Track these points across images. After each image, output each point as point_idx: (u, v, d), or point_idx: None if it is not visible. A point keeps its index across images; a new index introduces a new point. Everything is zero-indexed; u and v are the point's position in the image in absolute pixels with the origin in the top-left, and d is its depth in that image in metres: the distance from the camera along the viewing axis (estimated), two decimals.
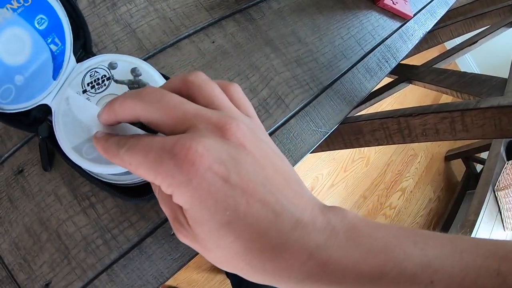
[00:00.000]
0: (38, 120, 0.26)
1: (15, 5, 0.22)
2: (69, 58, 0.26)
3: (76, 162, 0.23)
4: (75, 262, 0.26)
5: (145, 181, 0.24)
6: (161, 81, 0.25)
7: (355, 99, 0.33)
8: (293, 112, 0.30)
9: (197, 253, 0.27)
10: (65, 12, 0.24)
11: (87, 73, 0.25)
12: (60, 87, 0.26)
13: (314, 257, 0.14)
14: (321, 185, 1.11)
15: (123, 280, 0.26)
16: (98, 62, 0.25)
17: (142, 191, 0.25)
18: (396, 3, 0.40)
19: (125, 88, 0.25)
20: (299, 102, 0.31)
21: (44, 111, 0.25)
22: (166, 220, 0.27)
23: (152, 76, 0.24)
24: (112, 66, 0.25)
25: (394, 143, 0.35)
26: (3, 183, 0.28)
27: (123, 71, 0.25)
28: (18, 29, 0.23)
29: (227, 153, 0.15)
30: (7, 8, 0.22)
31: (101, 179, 0.24)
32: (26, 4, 0.23)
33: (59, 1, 0.24)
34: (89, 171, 0.24)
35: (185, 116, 0.16)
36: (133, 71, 0.25)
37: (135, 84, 0.24)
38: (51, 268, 0.26)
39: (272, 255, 0.15)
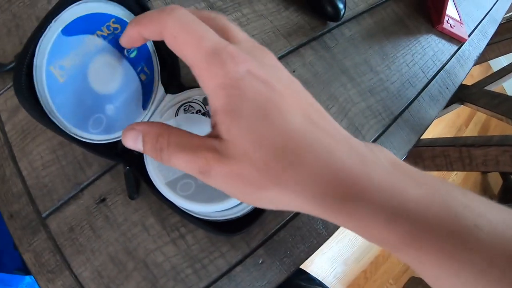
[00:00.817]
0: (126, 150, 0.26)
1: (105, 32, 0.22)
2: (157, 88, 0.26)
3: (170, 199, 0.23)
4: None
5: (238, 216, 0.25)
6: None
7: (421, 128, 0.34)
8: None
9: (281, 280, 0.28)
10: (151, 41, 0.24)
11: (180, 107, 0.25)
12: (149, 117, 0.26)
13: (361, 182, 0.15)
14: None
15: None
16: (192, 96, 0.25)
17: (235, 227, 0.25)
18: (453, 26, 0.41)
19: None
20: (373, 132, 0.32)
21: None
22: (256, 248, 0.28)
23: None
24: (206, 101, 0.25)
25: (453, 170, 0.37)
26: (83, 212, 0.28)
27: None
28: (109, 57, 0.23)
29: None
30: (97, 35, 0.22)
31: (192, 214, 0.25)
32: (116, 32, 0.23)
33: None
34: (183, 208, 0.25)
35: (217, 44, 0.16)
36: None
37: None
38: None
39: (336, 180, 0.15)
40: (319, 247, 0.29)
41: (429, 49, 0.38)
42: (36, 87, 0.20)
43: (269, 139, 0.15)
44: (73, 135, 0.22)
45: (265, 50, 0.17)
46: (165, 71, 0.26)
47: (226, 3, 0.32)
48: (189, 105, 0.25)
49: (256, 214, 0.25)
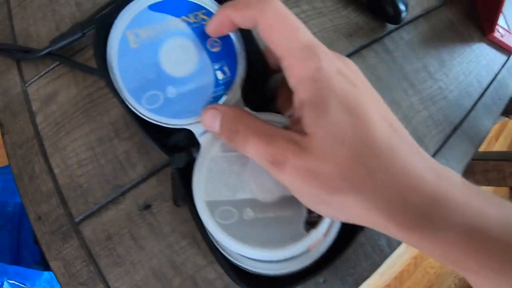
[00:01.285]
0: (179, 147, 0.23)
1: (192, 19, 0.22)
2: (234, 93, 0.23)
3: (203, 220, 0.20)
4: None
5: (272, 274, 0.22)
6: None
7: (479, 139, 0.33)
8: (431, 154, 0.30)
9: None
10: (243, 46, 0.22)
11: None
12: None
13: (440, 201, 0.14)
14: None
15: None
16: (277, 120, 0.21)
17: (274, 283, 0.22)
18: (503, 35, 0.40)
19: None
20: (435, 143, 0.30)
21: (188, 141, 0.23)
22: (318, 272, 0.25)
23: None
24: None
25: (506, 186, 0.35)
26: (124, 218, 0.25)
27: None
28: (187, 42, 0.22)
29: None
30: (182, 20, 0.22)
31: (222, 253, 0.21)
32: (203, 23, 0.22)
33: (238, 33, 0.23)
34: (214, 237, 0.21)
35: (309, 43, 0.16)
36: None
37: None
38: None
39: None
40: (381, 265, 0.26)
41: (482, 58, 0.37)
42: (108, 43, 0.21)
43: (354, 137, 0.14)
44: (124, 99, 0.21)
45: (346, 58, 0.18)
46: (249, 80, 0.23)
47: None
48: None
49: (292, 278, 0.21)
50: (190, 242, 0.24)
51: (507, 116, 0.50)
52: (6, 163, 0.84)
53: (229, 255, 0.21)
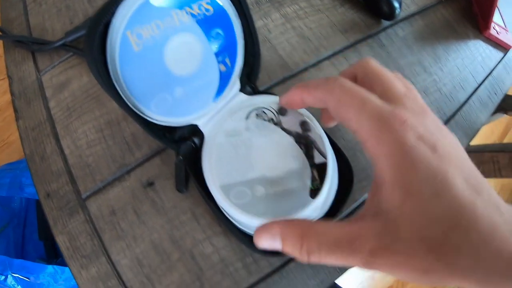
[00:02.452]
0: (183, 138, 0.25)
1: (196, 11, 0.22)
2: (234, 83, 0.25)
3: (221, 204, 0.22)
4: (209, 285, 0.26)
5: None
6: (328, 147, 0.23)
7: (473, 131, 0.34)
8: None
9: (334, 279, 0.27)
10: (243, 34, 0.24)
11: (253, 110, 0.24)
12: (217, 112, 0.25)
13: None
14: None
15: None
16: (269, 103, 0.24)
17: None
18: (500, 33, 0.42)
19: (289, 140, 0.23)
20: None
21: (191, 131, 0.25)
22: None
23: (320, 136, 0.23)
24: (282, 112, 0.24)
25: (502, 177, 0.37)
26: (128, 195, 0.27)
27: (291, 121, 0.24)
28: (192, 38, 0.22)
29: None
30: (186, 12, 0.21)
31: (233, 222, 0.23)
32: (207, 14, 0.22)
33: (240, 20, 0.23)
34: (228, 214, 0.23)
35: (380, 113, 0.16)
36: (303, 124, 0.24)
37: (302, 139, 0.23)
38: None
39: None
40: None
41: (478, 54, 0.39)
42: (107, 49, 0.19)
43: (442, 218, 0.14)
44: (133, 107, 0.22)
45: (424, 106, 0.17)
46: (245, 68, 0.26)
47: None
48: (263, 111, 0.24)
49: None
50: (189, 217, 0.27)
51: (505, 113, 0.52)
52: (13, 159, 0.88)
53: (244, 227, 0.23)
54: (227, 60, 0.24)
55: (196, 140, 0.25)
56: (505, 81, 0.40)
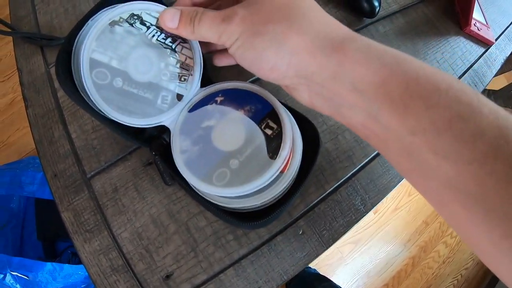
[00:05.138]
0: (152, 137, 0.28)
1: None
2: (197, 85, 0.28)
3: (210, 192, 0.25)
4: (202, 256, 0.29)
5: (259, 207, 0.26)
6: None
7: None
8: None
9: (320, 254, 0.30)
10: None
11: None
12: (181, 109, 0.28)
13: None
14: (385, 208, 1.17)
15: (249, 275, 0.29)
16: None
17: (258, 216, 0.26)
18: (480, 29, 0.46)
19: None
20: None
21: (160, 129, 0.28)
22: (297, 219, 0.30)
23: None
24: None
25: None
26: (130, 173, 0.31)
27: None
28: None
29: None
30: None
31: (216, 203, 0.26)
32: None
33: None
34: (205, 195, 0.26)
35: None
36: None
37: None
38: (175, 260, 0.29)
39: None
40: (356, 223, 0.31)
41: (458, 49, 0.43)
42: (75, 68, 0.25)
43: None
44: (103, 113, 0.25)
45: None
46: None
47: None
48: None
49: (279, 204, 0.26)
50: (185, 193, 0.30)
51: None
52: (14, 159, 0.91)
53: (215, 201, 0.26)
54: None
55: (165, 136, 0.28)
56: (486, 75, 0.43)
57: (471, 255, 1.18)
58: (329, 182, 0.31)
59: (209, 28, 0.23)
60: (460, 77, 0.41)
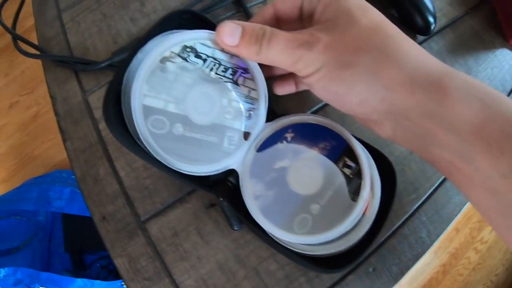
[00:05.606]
0: (218, 181, 0.27)
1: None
2: (263, 120, 0.26)
3: (289, 240, 0.24)
4: None
5: (338, 252, 0.25)
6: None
7: None
8: None
9: None
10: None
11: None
12: (248, 149, 0.26)
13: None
14: None
15: None
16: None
17: (337, 260, 0.25)
18: None
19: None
20: None
21: (226, 173, 0.26)
22: (368, 256, 0.29)
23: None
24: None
25: None
26: (190, 216, 0.29)
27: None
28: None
29: None
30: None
31: (292, 249, 0.25)
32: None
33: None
34: (283, 242, 0.25)
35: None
36: None
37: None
38: None
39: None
40: (423, 255, 0.30)
41: (505, 63, 0.42)
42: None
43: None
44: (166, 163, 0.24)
45: None
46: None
47: None
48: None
49: (361, 248, 0.25)
50: (254, 236, 0.28)
51: None
52: (38, 173, 0.88)
53: (294, 248, 0.25)
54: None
55: (231, 179, 0.27)
56: None
57: (500, 260, 1.17)
58: (398, 216, 0.30)
59: (281, 52, 0.21)
60: (509, 94, 0.40)
